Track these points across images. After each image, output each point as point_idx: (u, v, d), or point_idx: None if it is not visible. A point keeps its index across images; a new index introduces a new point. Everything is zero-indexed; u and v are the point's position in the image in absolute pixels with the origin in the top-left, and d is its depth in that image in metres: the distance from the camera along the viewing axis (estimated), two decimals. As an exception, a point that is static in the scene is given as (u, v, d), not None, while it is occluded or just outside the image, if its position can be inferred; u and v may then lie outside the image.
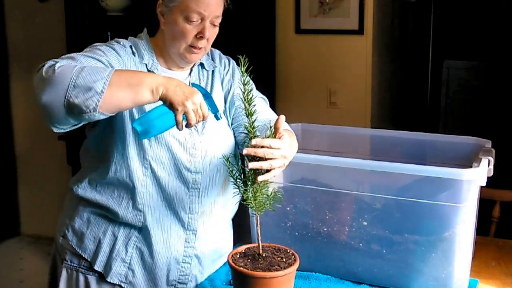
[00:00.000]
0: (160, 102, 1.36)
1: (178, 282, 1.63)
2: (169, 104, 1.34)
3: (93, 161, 1.61)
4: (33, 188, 4.08)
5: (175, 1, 1.53)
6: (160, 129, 1.39)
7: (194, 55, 1.57)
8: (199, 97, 1.35)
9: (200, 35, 1.53)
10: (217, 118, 1.47)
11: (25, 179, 4.12)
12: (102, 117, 1.36)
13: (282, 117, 1.41)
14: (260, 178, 1.33)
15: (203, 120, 1.38)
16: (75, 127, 1.42)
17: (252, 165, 1.32)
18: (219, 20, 1.57)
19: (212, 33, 1.56)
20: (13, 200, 4.15)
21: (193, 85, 1.48)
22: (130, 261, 1.59)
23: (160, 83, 1.35)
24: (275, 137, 1.37)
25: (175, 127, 1.37)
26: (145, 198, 1.56)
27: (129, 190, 1.56)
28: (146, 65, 1.59)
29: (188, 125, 1.37)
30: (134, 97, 1.34)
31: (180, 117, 1.34)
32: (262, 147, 1.34)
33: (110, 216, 1.59)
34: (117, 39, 1.61)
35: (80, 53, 1.47)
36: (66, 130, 1.42)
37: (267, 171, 1.34)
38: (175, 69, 1.64)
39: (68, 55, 1.45)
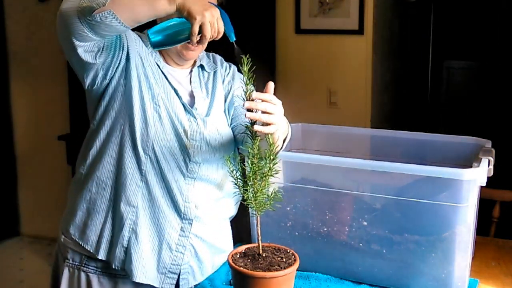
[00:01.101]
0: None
1: (169, 271, 1.63)
2: (187, 13, 1.35)
3: (97, 140, 1.62)
4: (33, 188, 4.09)
5: None
6: (173, 40, 1.41)
7: (191, 52, 1.60)
8: (217, 12, 1.37)
9: None
10: (231, 38, 1.44)
11: (25, 179, 4.13)
12: (115, 23, 1.36)
13: (271, 84, 1.41)
14: (256, 127, 1.35)
15: (216, 38, 1.39)
16: (96, 45, 1.45)
17: (250, 115, 1.34)
18: None
19: None
20: (13, 200, 4.15)
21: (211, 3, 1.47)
22: (127, 246, 1.60)
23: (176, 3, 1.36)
24: None
25: (189, 40, 1.38)
26: (144, 176, 1.57)
27: (130, 168, 1.57)
28: (151, 54, 1.62)
29: (201, 39, 1.37)
30: (150, 2, 1.36)
31: (196, 28, 1.35)
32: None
33: (108, 199, 1.60)
34: None
35: None
36: (87, 49, 1.45)
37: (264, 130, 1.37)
38: (175, 66, 1.67)
39: None
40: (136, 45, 1.59)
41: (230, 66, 1.79)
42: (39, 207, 4.07)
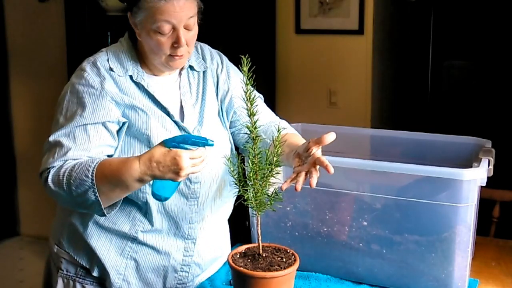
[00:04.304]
0: None
1: None
2: (164, 179, 1.34)
3: None
4: (33, 188, 4.08)
5: (141, 16, 1.45)
6: (175, 186, 1.39)
7: (177, 61, 1.50)
8: (185, 160, 1.29)
9: (176, 45, 1.45)
10: (210, 145, 1.37)
11: (25, 179, 4.12)
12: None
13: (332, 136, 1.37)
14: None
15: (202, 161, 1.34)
16: None
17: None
18: (194, 20, 1.48)
19: (189, 37, 1.48)
20: (13, 200, 4.15)
21: (166, 143, 1.34)
22: (124, 272, 1.57)
23: (142, 172, 1.32)
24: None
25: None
26: (145, 210, 1.53)
27: (129, 202, 1.53)
28: (131, 76, 1.52)
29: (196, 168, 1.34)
30: (128, 191, 1.39)
31: (184, 178, 1.33)
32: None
33: (106, 225, 1.55)
34: (93, 62, 1.52)
35: (63, 130, 1.45)
36: None
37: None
38: (161, 75, 1.58)
39: (55, 139, 1.47)
40: (111, 88, 1.49)
41: (221, 61, 1.68)
42: (38, 207, 4.07)
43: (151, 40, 1.46)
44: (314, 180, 1.33)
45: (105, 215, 1.41)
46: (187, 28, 1.46)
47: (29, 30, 3.89)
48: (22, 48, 3.95)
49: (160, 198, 1.38)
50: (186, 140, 1.33)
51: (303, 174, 1.36)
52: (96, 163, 1.37)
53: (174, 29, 1.45)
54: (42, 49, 3.85)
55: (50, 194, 1.44)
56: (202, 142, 1.34)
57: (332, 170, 1.31)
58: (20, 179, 4.14)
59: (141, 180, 1.34)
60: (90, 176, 1.35)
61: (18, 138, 4.10)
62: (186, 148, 1.32)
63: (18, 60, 3.99)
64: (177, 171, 1.30)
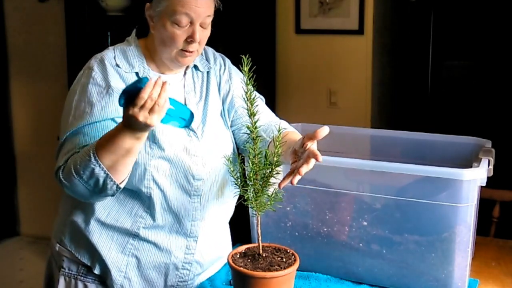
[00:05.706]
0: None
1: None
2: (139, 120, 1.29)
3: None
4: (33, 188, 4.08)
5: (161, 5, 1.48)
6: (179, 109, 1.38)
7: (187, 58, 1.53)
8: (137, 116, 1.28)
9: (190, 39, 1.49)
10: (145, 81, 1.28)
11: (25, 179, 4.12)
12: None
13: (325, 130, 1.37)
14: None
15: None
16: None
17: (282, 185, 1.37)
18: (210, 19, 1.52)
19: (203, 35, 1.51)
20: (12, 200, 4.15)
21: (119, 102, 1.32)
22: (126, 270, 1.57)
23: (131, 133, 1.32)
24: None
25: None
26: (147, 205, 1.54)
27: (131, 198, 1.54)
28: (137, 73, 1.54)
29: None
30: (133, 154, 1.37)
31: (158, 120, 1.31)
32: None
33: (107, 222, 1.56)
34: (100, 59, 1.54)
35: (73, 129, 1.46)
36: None
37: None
38: (168, 73, 1.60)
39: (66, 139, 1.47)
40: (118, 83, 1.50)
41: (224, 62, 1.71)
42: (38, 207, 4.07)
43: (166, 32, 1.48)
44: (303, 169, 1.33)
45: (120, 188, 1.41)
46: (202, 26, 1.50)
47: (29, 30, 3.89)
48: (22, 48, 3.95)
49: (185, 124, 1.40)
50: (128, 93, 1.29)
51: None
52: (94, 142, 1.39)
53: (191, 23, 1.48)
54: (42, 49, 3.85)
55: (68, 191, 1.45)
56: (137, 87, 1.27)
57: (320, 159, 1.31)
58: (20, 179, 4.14)
59: (138, 138, 1.34)
60: (91, 155, 1.36)
61: (18, 138, 4.10)
62: (133, 93, 1.27)
63: (18, 60, 3.99)
64: (143, 125, 1.29)
